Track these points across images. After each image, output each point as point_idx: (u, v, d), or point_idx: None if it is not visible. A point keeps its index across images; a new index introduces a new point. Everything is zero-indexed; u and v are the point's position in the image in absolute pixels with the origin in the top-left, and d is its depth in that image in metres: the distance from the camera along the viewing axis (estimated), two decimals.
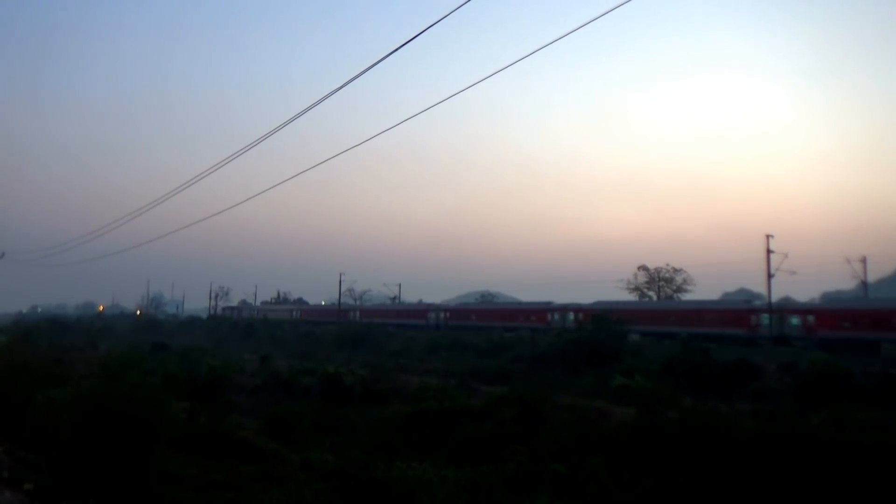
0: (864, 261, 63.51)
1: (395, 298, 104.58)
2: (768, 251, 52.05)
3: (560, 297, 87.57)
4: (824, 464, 12.66)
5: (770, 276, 51.80)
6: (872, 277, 71.74)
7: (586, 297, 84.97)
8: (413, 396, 27.94)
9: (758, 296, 76.40)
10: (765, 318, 52.72)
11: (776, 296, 54.72)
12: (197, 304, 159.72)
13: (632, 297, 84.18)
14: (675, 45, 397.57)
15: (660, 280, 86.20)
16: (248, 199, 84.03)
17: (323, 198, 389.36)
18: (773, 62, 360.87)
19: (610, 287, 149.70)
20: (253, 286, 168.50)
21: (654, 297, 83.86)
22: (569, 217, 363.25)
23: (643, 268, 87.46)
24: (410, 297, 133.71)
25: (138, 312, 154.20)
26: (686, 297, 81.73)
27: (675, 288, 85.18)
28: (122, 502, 7.86)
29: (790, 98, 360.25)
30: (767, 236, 52.52)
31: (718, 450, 14.42)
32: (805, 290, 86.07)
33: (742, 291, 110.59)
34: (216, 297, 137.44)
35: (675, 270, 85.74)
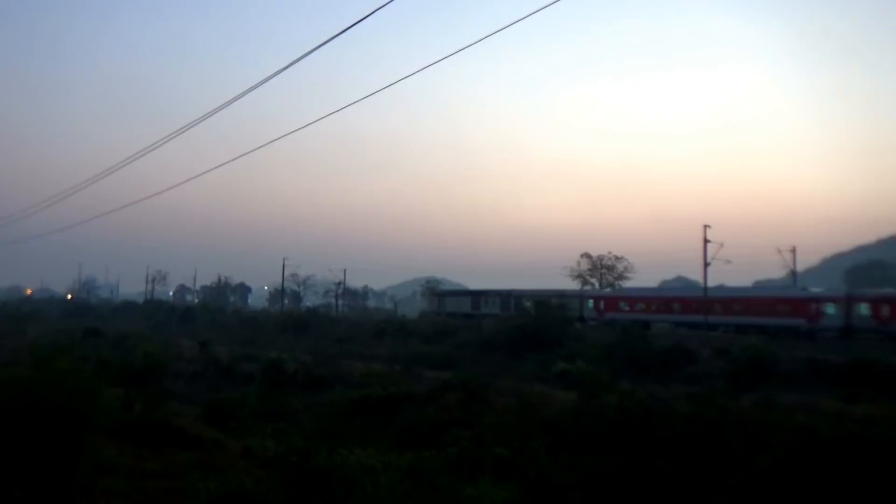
0: (793, 251, 66.41)
1: (339, 284, 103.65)
2: (705, 240, 53.76)
3: (501, 284, 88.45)
4: (754, 444, 13.22)
5: (706, 264, 53.54)
6: (801, 267, 75.20)
7: (529, 285, 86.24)
8: (357, 382, 27.87)
9: (694, 283, 79.02)
10: (829, 308, 47.21)
11: (711, 284, 56.56)
12: (133, 288, 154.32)
13: (574, 284, 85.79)
14: (621, 37, 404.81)
15: (602, 267, 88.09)
16: (185, 182, 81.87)
17: (264, 182, 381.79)
18: (712, 56, 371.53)
19: (553, 274, 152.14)
20: (192, 270, 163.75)
21: (597, 285, 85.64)
22: (511, 204, 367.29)
23: (586, 255, 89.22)
24: (355, 282, 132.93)
25: (69, 297, 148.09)
26: (626, 284, 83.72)
27: (616, 275, 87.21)
28: (51, 494, 7.55)
29: (728, 92, 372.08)
30: (705, 226, 54.18)
31: (655, 432, 14.91)
32: (738, 279, 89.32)
33: (680, 279, 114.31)
34: (153, 280, 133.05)
35: (617, 258, 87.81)
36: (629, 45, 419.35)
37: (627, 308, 59.77)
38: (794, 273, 67.58)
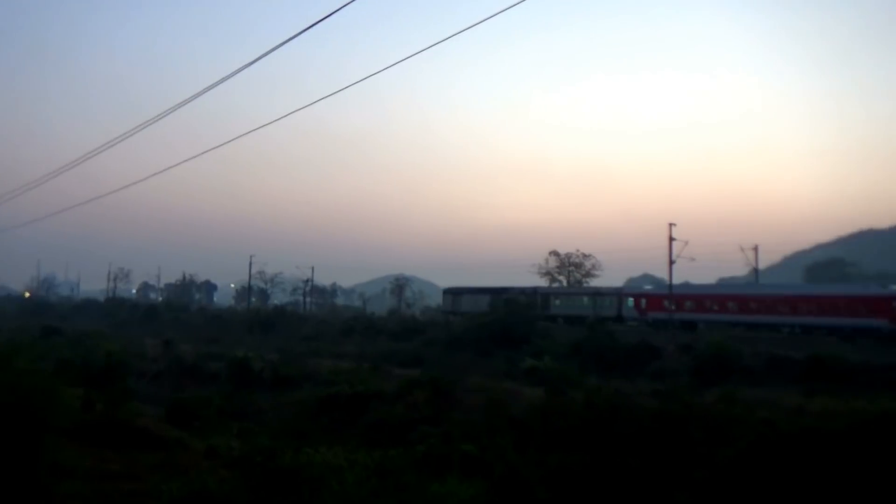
0: (756, 249, 67.85)
1: (307, 281, 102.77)
2: (671, 238, 54.55)
3: (471, 282, 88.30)
4: (717, 438, 13.48)
5: (672, 262, 54.34)
6: (763, 265, 77.03)
7: (498, 282, 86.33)
8: (325, 381, 27.68)
9: (660, 280, 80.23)
10: None
11: (676, 281, 57.40)
12: (94, 286, 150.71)
13: (542, 281, 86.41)
14: (592, 37, 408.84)
15: (570, 265, 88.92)
16: (150, 177, 79.96)
17: (232, 177, 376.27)
18: (680, 57, 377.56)
19: (522, 271, 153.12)
20: (156, 267, 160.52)
21: (565, 282, 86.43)
22: (480, 202, 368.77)
23: (554, 253, 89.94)
24: (323, 280, 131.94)
25: (27, 294, 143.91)
26: (594, 282, 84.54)
27: (584, 273, 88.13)
28: (8, 497, 7.35)
29: (695, 93, 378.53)
30: (670, 224, 54.95)
31: (621, 427, 15.09)
32: (702, 276, 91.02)
33: (646, 277, 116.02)
34: (115, 278, 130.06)
35: (585, 256, 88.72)
36: (599, 45, 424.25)
37: (674, 306, 53.29)
38: (756, 270, 69.13)
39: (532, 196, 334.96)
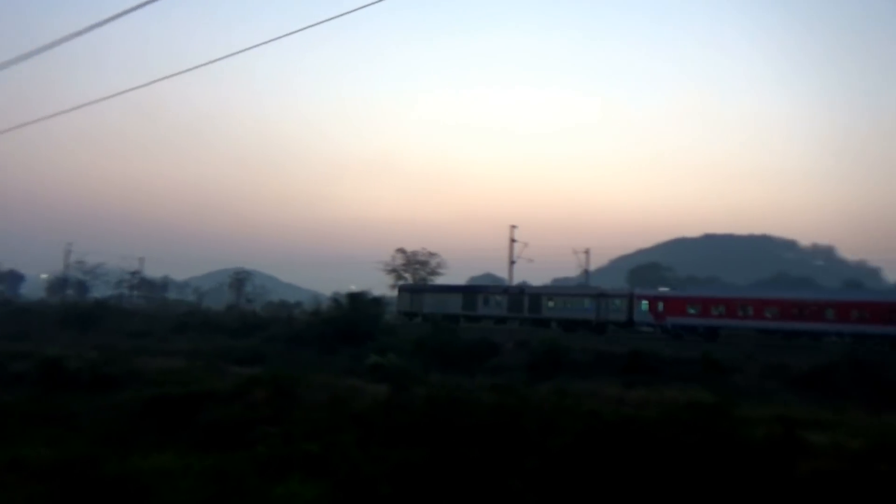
0: (587, 252, 73.19)
1: (135, 273, 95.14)
2: (512, 240, 57.18)
3: (320, 278, 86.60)
4: (549, 429, 14.31)
5: (512, 262, 56.91)
6: (593, 267, 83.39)
7: (342, 278, 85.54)
8: (153, 381, 25.72)
9: (501, 280, 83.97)
10: None
11: (515, 281, 60.20)
12: None
13: (389, 279, 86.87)
14: (440, 37, 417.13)
15: (416, 263, 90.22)
16: None
17: (48, 156, 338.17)
18: (522, 69, 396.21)
19: (368, 269, 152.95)
20: None
21: (410, 280, 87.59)
22: (326, 196, 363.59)
23: (401, 250, 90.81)
24: (153, 272, 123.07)
25: None
26: (439, 280, 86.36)
27: (429, 271, 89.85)
28: None
29: (532, 103, 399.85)
30: (512, 226, 57.60)
31: (460, 421, 15.56)
32: (539, 277, 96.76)
33: (488, 276, 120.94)
34: None
35: (431, 254, 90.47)
36: (447, 45, 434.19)
37: (698, 311, 48.29)
38: (587, 273, 74.65)
39: (379, 192, 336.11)
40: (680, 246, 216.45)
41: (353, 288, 56.66)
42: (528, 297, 55.66)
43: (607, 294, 53.68)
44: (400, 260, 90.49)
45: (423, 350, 35.61)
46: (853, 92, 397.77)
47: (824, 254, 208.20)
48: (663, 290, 55.59)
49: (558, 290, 57.69)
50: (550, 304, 53.24)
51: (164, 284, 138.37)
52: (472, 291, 61.22)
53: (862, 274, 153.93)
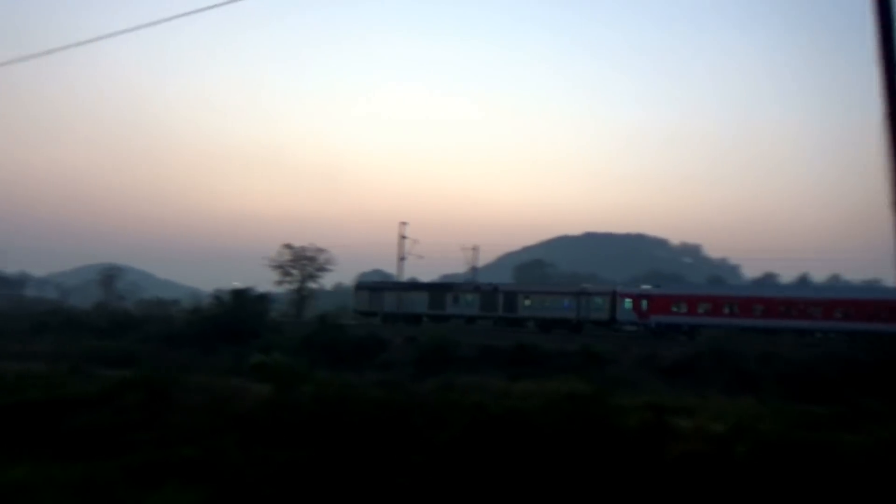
0: (476, 249, 74.70)
1: None
2: (402, 236, 57.25)
3: (201, 274, 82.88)
4: (436, 423, 14.48)
5: (402, 258, 57.00)
6: (481, 263, 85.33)
7: (225, 274, 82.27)
8: (8, 387, 23.55)
9: (390, 276, 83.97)
10: None
11: (405, 278, 60.34)
12: None
13: (274, 275, 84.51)
14: (331, 29, 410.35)
15: (303, 259, 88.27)
16: None
17: None
18: (414, 60, 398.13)
19: (252, 265, 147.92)
20: None
21: (298, 276, 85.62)
22: (205, 188, 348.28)
23: (287, 245, 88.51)
24: (8, 267, 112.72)
25: None
26: (329, 277, 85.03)
27: (317, 267, 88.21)
28: None
29: (421, 96, 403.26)
30: (402, 223, 57.68)
31: (348, 418, 15.41)
32: (427, 274, 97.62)
33: (377, 272, 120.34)
34: None
35: (319, 250, 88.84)
36: (333, 40, 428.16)
37: (684, 310, 47.71)
38: (475, 269, 76.22)
39: (264, 186, 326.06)
40: (563, 243, 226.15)
41: (237, 284, 55.33)
42: (502, 295, 53.59)
43: (588, 292, 52.42)
44: (287, 255, 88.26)
45: (310, 347, 35.00)
46: (722, 103, 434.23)
47: (692, 252, 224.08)
48: (646, 287, 54.49)
49: (537, 289, 56.21)
50: (527, 302, 51.82)
51: (22, 281, 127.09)
52: (440, 289, 58.31)
53: (724, 271, 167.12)
